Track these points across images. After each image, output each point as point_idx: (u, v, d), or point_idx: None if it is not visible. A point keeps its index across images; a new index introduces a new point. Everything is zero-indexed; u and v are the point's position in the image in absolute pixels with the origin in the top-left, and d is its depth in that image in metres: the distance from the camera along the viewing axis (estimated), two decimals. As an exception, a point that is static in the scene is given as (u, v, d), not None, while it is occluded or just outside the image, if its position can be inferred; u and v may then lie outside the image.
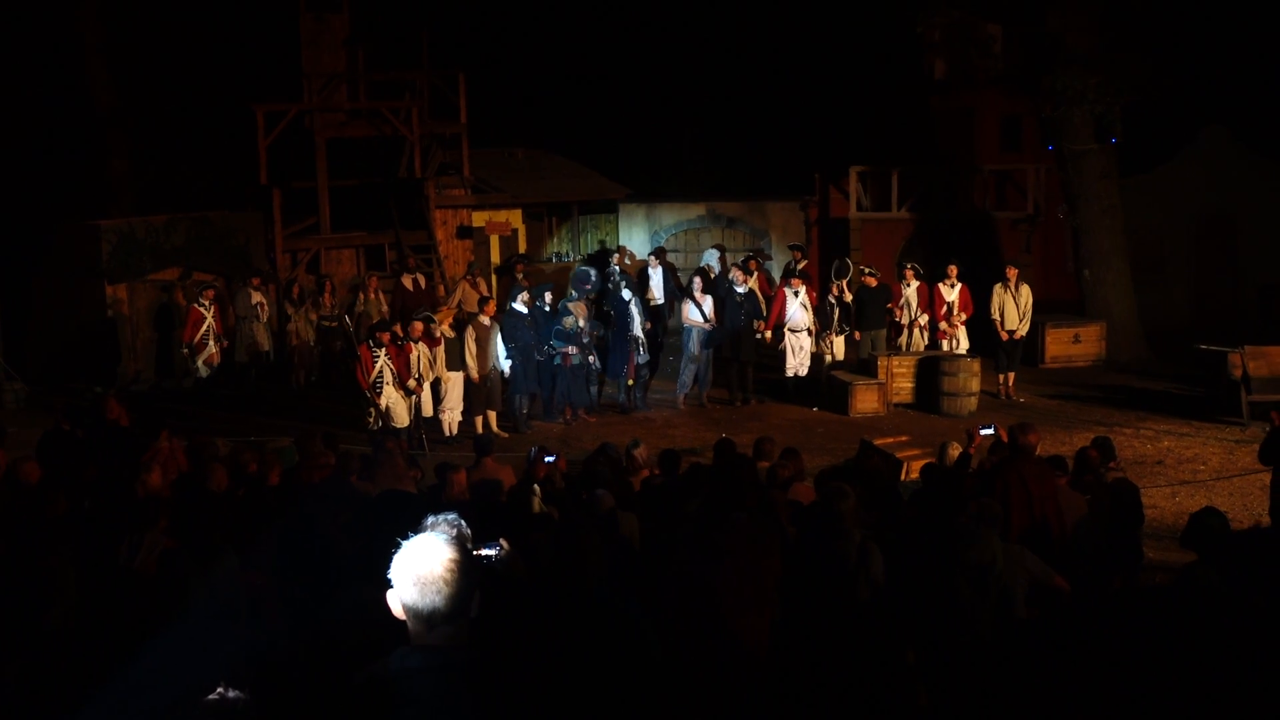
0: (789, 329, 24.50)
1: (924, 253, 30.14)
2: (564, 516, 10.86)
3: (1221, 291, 32.15)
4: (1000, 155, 33.38)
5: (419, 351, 21.13)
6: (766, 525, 8.83)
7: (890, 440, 19.67)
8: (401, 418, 20.77)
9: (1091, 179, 28.37)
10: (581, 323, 22.59)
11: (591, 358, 22.94)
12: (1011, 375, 24.87)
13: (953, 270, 25.06)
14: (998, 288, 24.84)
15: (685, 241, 34.85)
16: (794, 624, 8.05)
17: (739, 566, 7.83)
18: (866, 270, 25.95)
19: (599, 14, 38.89)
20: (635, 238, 34.96)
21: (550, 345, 22.45)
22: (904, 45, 34.41)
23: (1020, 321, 24.72)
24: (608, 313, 24.19)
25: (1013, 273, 25.05)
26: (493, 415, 22.25)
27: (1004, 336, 24.61)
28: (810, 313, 24.56)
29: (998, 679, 8.38)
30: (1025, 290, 24.93)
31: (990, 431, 14.06)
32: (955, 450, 14.58)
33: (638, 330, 23.47)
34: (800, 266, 27.15)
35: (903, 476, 17.25)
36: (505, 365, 22.17)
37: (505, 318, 22.43)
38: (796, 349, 24.53)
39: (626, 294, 24.00)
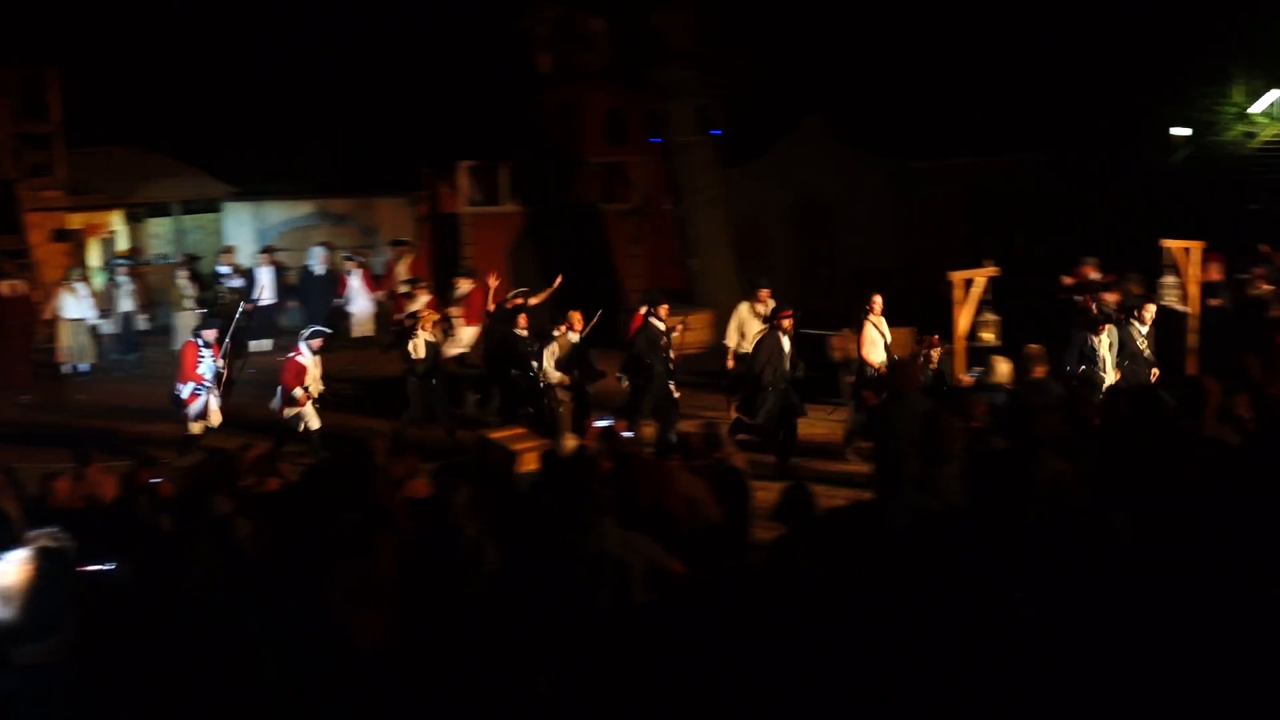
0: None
1: (535, 247, 30.42)
2: (175, 525, 10.57)
3: (820, 276, 33.32)
4: (607, 148, 33.91)
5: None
6: (376, 523, 8.80)
7: (505, 433, 19.72)
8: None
9: (695, 170, 29.16)
10: None
11: None
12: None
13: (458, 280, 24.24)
14: (743, 307, 22.05)
15: (295, 240, 34.26)
16: (411, 619, 8.04)
17: (348, 565, 7.79)
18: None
19: (203, 7, 37.88)
20: (242, 237, 34.16)
21: None
22: (509, 40, 34.62)
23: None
24: None
25: (764, 293, 21.64)
26: None
27: (731, 363, 21.83)
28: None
29: (619, 663, 8.53)
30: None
31: (606, 423, 14.30)
32: (571, 441, 14.76)
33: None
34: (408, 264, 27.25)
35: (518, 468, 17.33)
36: None
37: None
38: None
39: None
